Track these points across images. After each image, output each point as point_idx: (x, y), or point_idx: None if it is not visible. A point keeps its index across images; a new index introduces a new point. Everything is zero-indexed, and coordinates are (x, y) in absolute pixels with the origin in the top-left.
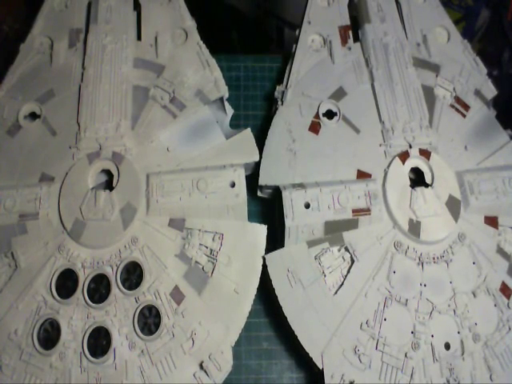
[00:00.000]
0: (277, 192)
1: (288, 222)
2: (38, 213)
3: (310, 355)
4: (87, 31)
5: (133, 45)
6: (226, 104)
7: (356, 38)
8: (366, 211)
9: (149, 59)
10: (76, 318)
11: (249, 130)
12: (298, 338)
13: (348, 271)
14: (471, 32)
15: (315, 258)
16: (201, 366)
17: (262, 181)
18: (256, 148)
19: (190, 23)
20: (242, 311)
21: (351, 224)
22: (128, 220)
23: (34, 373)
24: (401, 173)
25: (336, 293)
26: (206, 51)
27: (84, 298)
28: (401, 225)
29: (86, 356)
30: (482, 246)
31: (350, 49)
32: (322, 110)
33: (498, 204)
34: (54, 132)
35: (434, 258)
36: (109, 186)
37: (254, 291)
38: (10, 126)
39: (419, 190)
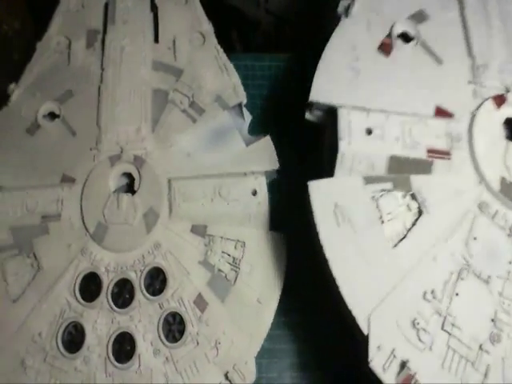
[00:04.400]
0: (330, 115)
1: (343, 146)
2: (60, 214)
3: (353, 314)
4: (105, 32)
5: (151, 47)
6: (244, 110)
7: None
8: (445, 154)
9: (167, 62)
10: (100, 323)
11: (268, 137)
12: (340, 289)
13: (413, 224)
14: None
15: (372, 199)
16: (226, 376)
17: (313, 96)
18: (276, 156)
19: (207, 27)
20: (264, 321)
21: (423, 166)
22: (151, 225)
23: (58, 376)
24: (493, 119)
25: (396, 246)
26: (224, 56)
27: (108, 303)
28: (490, 182)
29: (110, 361)
30: None
31: None
32: (397, 31)
33: None
34: (73, 133)
35: None
36: (129, 189)
37: (277, 302)
38: (29, 124)
39: None
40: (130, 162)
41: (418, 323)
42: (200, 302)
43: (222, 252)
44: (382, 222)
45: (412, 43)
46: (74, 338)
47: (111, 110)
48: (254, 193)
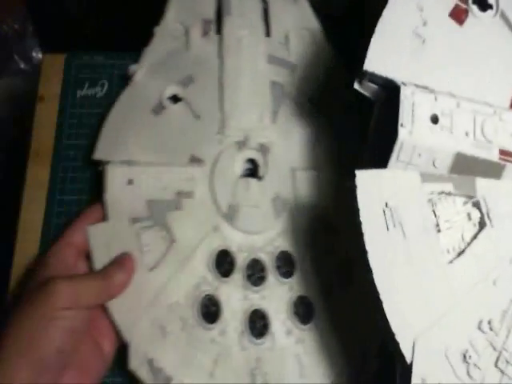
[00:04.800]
0: (386, 90)
1: (403, 134)
2: (193, 192)
3: (397, 338)
4: (219, 22)
5: (264, 40)
6: None
7: None
8: None
9: (281, 56)
10: (235, 298)
11: None
12: (383, 306)
13: (474, 237)
14: None
15: (429, 202)
16: None
17: (368, 65)
18: None
19: (316, 25)
20: None
21: (492, 169)
22: (279, 210)
23: (196, 345)
24: None
25: (452, 262)
26: (334, 54)
27: (242, 280)
28: None
29: (245, 336)
30: None
31: None
32: None
33: None
34: (197, 116)
35: None
36: (252, 175)
37: None
38: (155, 105)
39: None
40: (256, 149)
41: (470, 357)
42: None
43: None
44: (439, 230)
45: (490, 12)
46: (209, 310)
47: (234, 97)
48: None
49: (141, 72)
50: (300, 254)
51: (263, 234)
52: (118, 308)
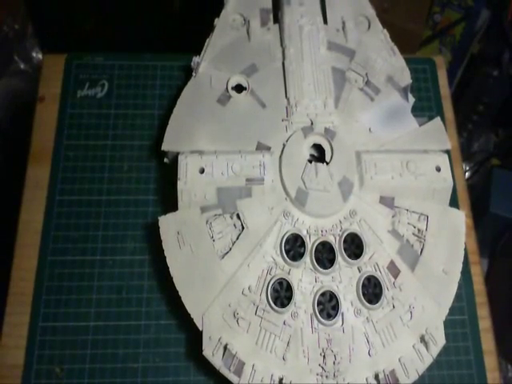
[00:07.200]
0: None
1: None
2: (263, 178)
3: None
4: (275, 11)
5: (323, 28)
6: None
7: None
8: None
9: (339, 43)
10: (305, 281)
11: (438, 118)
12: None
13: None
14: (471, 32)
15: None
16: (421, 339)
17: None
18: (447, 137)
19: (372, 11)
20: (450, 291)
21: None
22: (347, 193)
23: (268, 328)
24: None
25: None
26: (389, 39)
27: (312, 263)
28: None
29: (316, 317)
30: None
31: None
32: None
33: None
34: (263, 104)
35: None
36: (316, 160)
37: (459, 274)
38: (220, 95)
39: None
40: (321, 134)
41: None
42: (393, 269)
43: (408, 224)
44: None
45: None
46: (280, 294)
47: (298, 84)
48: (439, 169)
49: (204, 63)
50: (368, 235)
51: (331, 217)
52: (190, 296)
